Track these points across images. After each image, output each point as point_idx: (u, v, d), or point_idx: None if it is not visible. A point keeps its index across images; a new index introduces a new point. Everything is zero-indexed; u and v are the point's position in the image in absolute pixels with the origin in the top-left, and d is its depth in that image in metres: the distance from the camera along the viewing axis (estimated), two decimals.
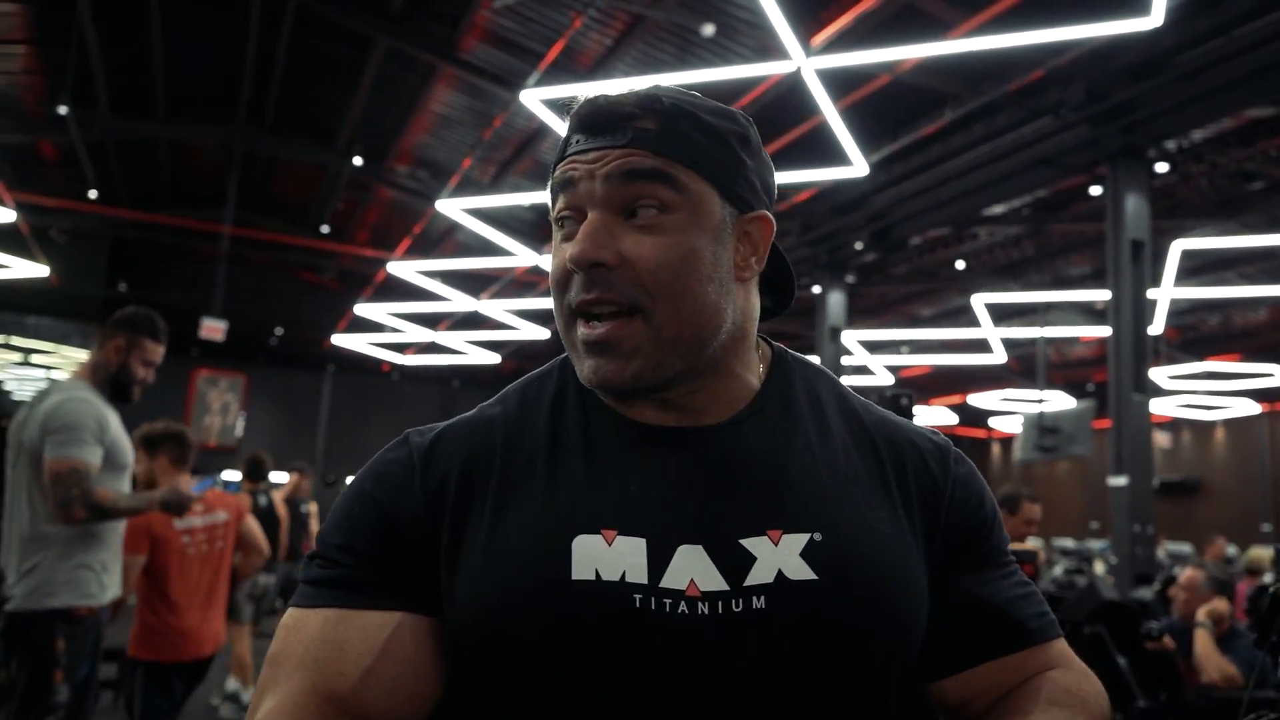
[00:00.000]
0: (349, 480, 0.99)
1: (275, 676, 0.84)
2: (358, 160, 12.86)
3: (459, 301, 15.73)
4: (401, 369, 21.75)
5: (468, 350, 19.12)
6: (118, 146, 14.44)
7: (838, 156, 9.03)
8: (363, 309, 16.89)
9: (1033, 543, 5.84)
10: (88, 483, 2.89)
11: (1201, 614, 4.19)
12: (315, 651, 0.84)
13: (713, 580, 0.82)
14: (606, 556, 0.82)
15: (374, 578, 0.87)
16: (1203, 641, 4.11)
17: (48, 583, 2.91)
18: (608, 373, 0.87)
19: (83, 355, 20.49)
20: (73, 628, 2.94)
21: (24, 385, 22.17)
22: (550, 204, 0.93)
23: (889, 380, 19.29)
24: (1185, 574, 4.58)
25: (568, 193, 0.90)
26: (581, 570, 0.81)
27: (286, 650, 0.85)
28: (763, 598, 0.82)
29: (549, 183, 0.94)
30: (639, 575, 0.81)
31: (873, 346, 17.84)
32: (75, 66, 11.26)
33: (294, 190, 17.04)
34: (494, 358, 19.46)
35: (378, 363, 21.81)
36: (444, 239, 16.42)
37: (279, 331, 21.34)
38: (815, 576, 0.84)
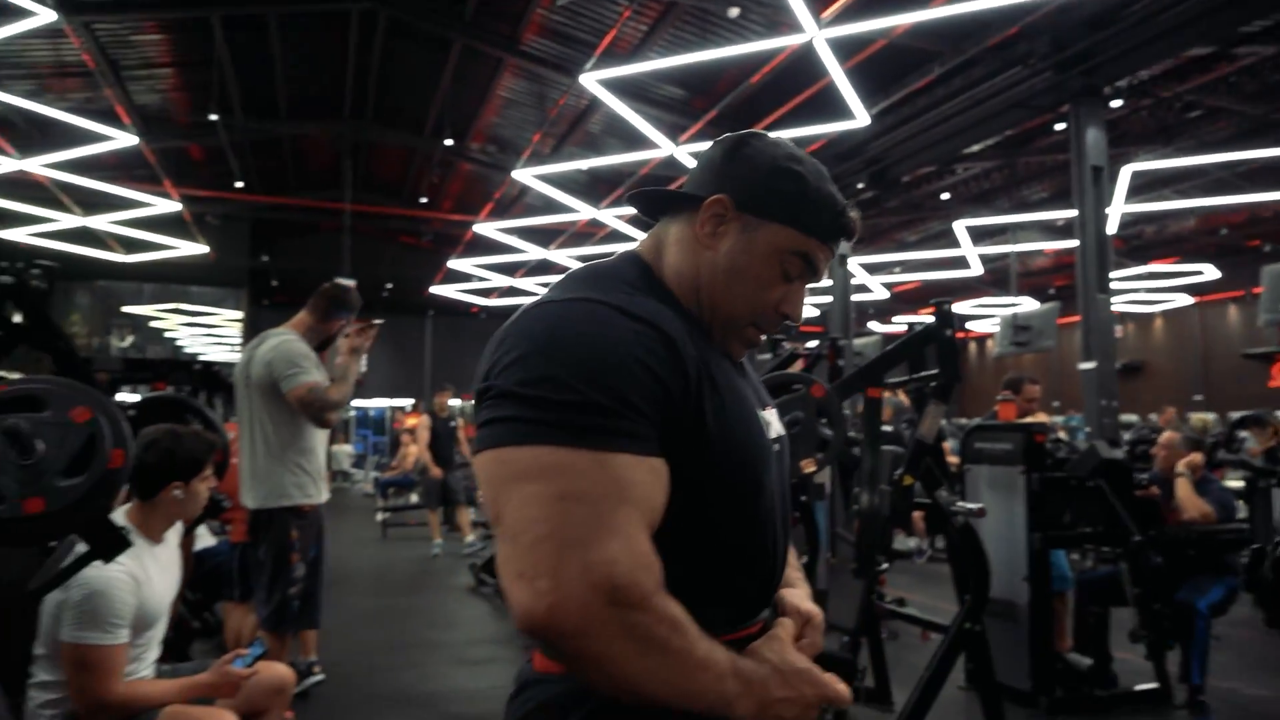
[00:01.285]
0: (539, 334, 0.86)
1: (602, 512, 0.79)
2: (448, 141, 12.78)
3: (533, 252, 15.69)
4: (488, 310, 21.84)
5: (542, 292, 19.06)
6: (252, 145, 14.45)
7: (843, 112, 8.80)
8: (455, 263, 16.92)
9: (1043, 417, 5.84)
10: (321, 393, 2.98)
11: (1181, 465, 4.17)
12: (634, 490, 0.82)
13: (773, 432, 1.05)
14: (767, 423, 1.04)
15: (648, 429, 0.84)
16: (1184, 488, 4.10)
17: (279, 486, 3.02)
18: (742, 354, 1.09)
19: (235, 315, 20.83)
20: (302, 520, 3.05)
21: (192, 341, 22.61)
22: (788, 238, 1.02)
23: (885, 295, 19.06)
24: (1164, 436, 4.55)
25: (805, 260, 1.03)
26: (770, 433, 1.04)
27: (599, 488, 0.80)
28: (779, 442, 1.08)
29: (792, 218, 1.01)
30: (771, 434, 1.04)
31: (871, 268, 17.60)
32: (217, 82, 11.22)
33: (392, 170, 17.00)
34: None
35: (468, 306, 21.90)
36: (516, 202, 16.31)
37: (389, 286, 21.47)
38: (783, 431, 1.12)
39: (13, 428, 1.68)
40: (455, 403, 9.03)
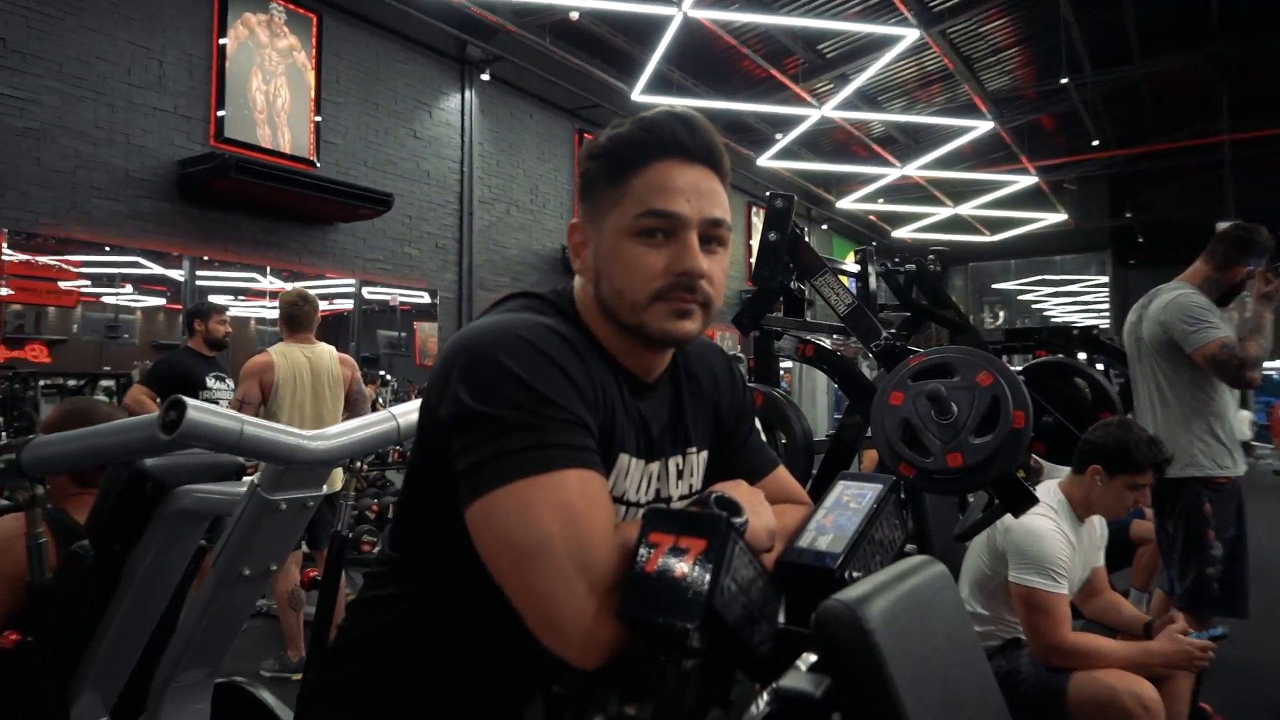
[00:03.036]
0: None
1: None
2: None
3: None
4: None
5: None
6: (1104, 98, 13.87)
7: None
8: None
9: None
10: (1235, 349, 2.63)
11: None
12: None
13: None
14: None
15: None
16: None
17: (1186, 454, 2.77)
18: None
19: (1099, 279, 20.23)
20: (1216, 493, 2.74)
21: (1058, 310, 22.84)
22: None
23: None
24: None
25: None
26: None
27: None
28: None
29: None
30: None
31: None
32: (1064, 45, 11.17)
33: (1278, 83, 14.15)
34: None
35: None
36: None
37: None
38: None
39: (934, 391, 1.93)
40: None
